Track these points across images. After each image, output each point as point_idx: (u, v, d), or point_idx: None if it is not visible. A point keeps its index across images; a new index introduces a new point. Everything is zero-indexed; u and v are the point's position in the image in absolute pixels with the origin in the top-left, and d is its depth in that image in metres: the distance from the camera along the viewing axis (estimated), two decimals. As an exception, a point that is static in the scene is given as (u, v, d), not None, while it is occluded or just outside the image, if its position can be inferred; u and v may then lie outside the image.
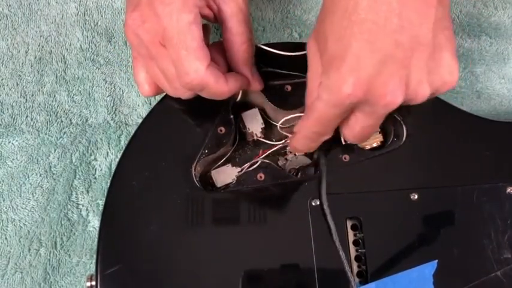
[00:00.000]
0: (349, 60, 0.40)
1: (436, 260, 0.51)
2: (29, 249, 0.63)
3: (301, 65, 0.49)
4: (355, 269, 0.54)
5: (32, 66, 0.68)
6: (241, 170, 0.55)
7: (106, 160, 0.66)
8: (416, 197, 0.56)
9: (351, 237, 0.55)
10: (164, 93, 0.56)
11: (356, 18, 0.40)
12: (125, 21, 0.49)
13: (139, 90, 0.54)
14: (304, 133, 0.49)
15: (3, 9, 0.70)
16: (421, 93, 0.43)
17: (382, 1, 0.40)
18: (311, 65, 0.46)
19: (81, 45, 0.70)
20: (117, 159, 0.63)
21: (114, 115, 0.67)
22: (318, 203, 0.54)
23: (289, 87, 0.57)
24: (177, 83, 0.49)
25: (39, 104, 0.67)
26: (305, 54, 0.47)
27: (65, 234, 0.63)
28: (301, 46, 0.54)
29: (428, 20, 0.41)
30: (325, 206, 0.53)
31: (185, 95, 0.52)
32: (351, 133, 0.47)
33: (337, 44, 0.41)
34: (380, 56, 0.40)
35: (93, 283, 0.50)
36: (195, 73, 0.47)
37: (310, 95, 0.46)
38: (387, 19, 0.40)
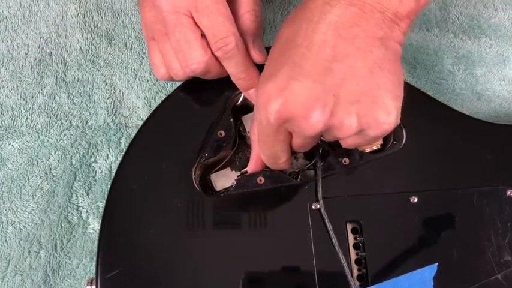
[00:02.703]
0: (279, 79, 0.42)
1: (437, 263, 0.51)
2: (29, 252, 0.63)
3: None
4: (356, 272, 0.54)
5: (31, 68, 0.68)
6: (241, 174, 0.55)
7: (106, 162, 0.66)
8: (416, 200, 0.55)
9: (351, 241, 0.55)
10: (164, 97, 0.56)
11: (292, 44, 0.43)
12: None
13: (154, 73, 0.55)
14: (261, 151, 0.51)
15: (2, 11, 0.70)
16: (347, 124, 0.43)
17: (318, 32, 0.42)
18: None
19: (81, 47, 0.70)
20: (117, 162, 0.63)
21: (114, 117, 0.67)
22: (318, 206, 0.54)
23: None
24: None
25: (39, 106, 0.67)
26: None
27: (65, 236, 0.64)
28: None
29: (366, 56, 0.42)
30: (322, 210, 0.53)
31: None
32: (295, 145, 0.48)
33: (272, 66, 0.43)
34: (308, 80, 0.41)
35: (94, 287, 0.50)
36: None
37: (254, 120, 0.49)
38: (320, 48, 0.41)
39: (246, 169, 0.55)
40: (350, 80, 0.42)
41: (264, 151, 0.49)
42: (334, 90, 0.42)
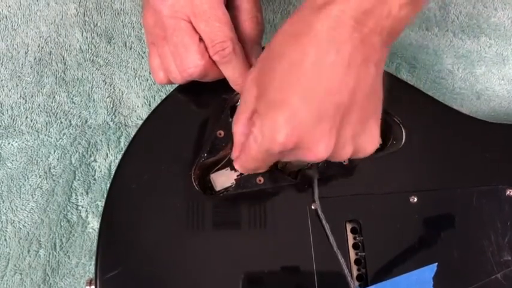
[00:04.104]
0: (287, 111, 0.41)
1: (436, 263, 0.51)
2: (29, 251, 0.63)
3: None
4: (355, 272, 0.54)
5: (31, 67, 0.68)
6: (241, 174, 0.55)
7: (105, 161, 0.66)
8: (415, 199, 0.55)
9: (350, 241, 0.54)
10: (163, 97, 0.56)
11: (301, 72, 0.41)
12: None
13: (153, 77, 0.55)
14: (242, 164, 0.50)
15: (2, 10, 0.70)
16: (344, 154, 0.44)
17: (327, 61, 0.40)
18: (245, 98, 0.46)
19: (80, 46, 0.70)
20: (117, 161, 0.63)
21: (113, 116, 0.67)
22: (318, 206, 0.54)
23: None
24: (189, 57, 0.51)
25: (39, 105, 0.67)
26: None
27: (65, 235, 0.64)
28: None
29: (364, 87, 0.42)
30: (319, 210, 0.53)
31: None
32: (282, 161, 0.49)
33: (278, 92, 0.42)
34: (317, 112, 0.41)
35: (93, 287, 0.50)
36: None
37: (238, 123, 0.47)
38: (329, 79, 0.40)
39: None
40: (351, 111, 0.42)
41: (249, 166, 0.49)
42: (338, 123, 0.42)
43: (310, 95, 0.41)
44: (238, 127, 0.47)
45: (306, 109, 0.41)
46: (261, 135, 0.43)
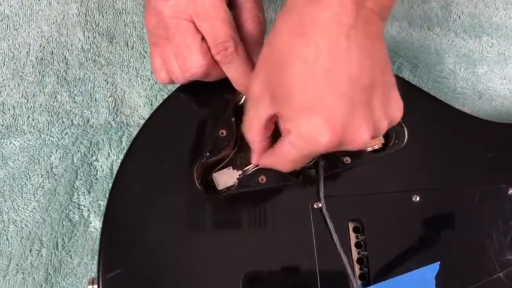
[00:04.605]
0: (321, 110, 0.41)
1: (438, 262, 0.51)
2: (31, 250, 0.63)
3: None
4: (357, 271, 0.54)
5: (33, 66, 0.68)
6: (243, 173, 0.55)
7: (107, 161, 0.66)
8: (418, 199, 0.55)
9: (353, 240, 0.54)
10: (165, 96, 0.56)
11: (320, 67, 0.41)
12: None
13: (155, 76, 0.55)
14: (276, 166, 0.50)
15: (4, 10, 0.70)
16: (382, 129, 0.45)
17: (341, 49, 0.40)
18: (256, 107, 0.46)
19: (82, 46, 0.70)
20: (119, 160, 0.63)
21: (115, 116, 0.67)
22: (320, 205, 0.54)
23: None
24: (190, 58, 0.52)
25: (41, 104, 0.67)
26: None
27: (66, 235, 0.64)
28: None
29: (378, 62, 0.43)
30: (324, 209, 0.53)
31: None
32: None
33: (303, 93, 0.41)
34: (348, 102, 0.41)
35: (95, 286, 0.50)
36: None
37: (252, 131, 0.48)
38: (349, 66, 0.41)
39: (247, 168, 0.55)
40: (375, 89, 0.42)
41: (286, 168, 0.49)
42: (369, 104, 0.42)
43: (336, 87, 0.41)
44: (255, 136, 0.47)
45: (338, 103, 0.41)
46: (300, 141, 0.43)
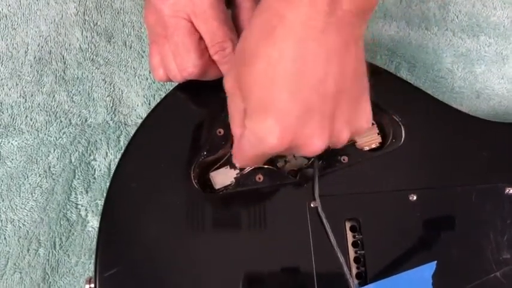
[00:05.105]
0: (274, 112, 0.40)
1: (435, 261, 0.51)
2: (28, 250, 0.63)
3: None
4: (354, 270, 0.54)
5: (31, 66, 0.68)
6: (240, 172, 0.55)
7: (105, 160, 0.66)
8: (415, 197, 0.55)
9: (349, 239, 0.55)
10: (163, 96, 0.56)
11: (282, 68, 0.39)
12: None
13: (153, 74, 0.55)
14: (239, 161, 0.51)
15: (2, 9, 0.70)
16: (342, 139, 0.44)
17: (308, 52, 0.39)
18: (232, 101, 0.46)
19: (80, 46, 0.70)
20: (117, 160, 0.63)
21: (113, 115, 0.67)
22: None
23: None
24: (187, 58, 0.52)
25: (39, 104, 0.67)
26: None
27: (64, 234, 0.64)
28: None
29: (350, 69, 0.41)
30: (319, 209, 0.53)
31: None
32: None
33: (262, 93, 0.40)
34: (305, 107, 0.40)
35: (92, 285, 0.51)
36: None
37: (232, 124, 0.47)
38: (313, 71, 0.39)
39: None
40: (341, 98, 0.41)
41: (246, 164, 0.50)
42: (328, 113, 0.41)
43: (295, 91, 0.39)
44: (235, 129, 0.47)
45: (293, 106, 0.40)
46: (252, 138, 0.42)
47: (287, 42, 0.39)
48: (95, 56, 0.69)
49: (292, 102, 0.40)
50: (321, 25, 0.38)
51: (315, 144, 0.42)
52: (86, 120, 0.67)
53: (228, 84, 0.45)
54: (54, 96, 0.68)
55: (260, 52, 0.40)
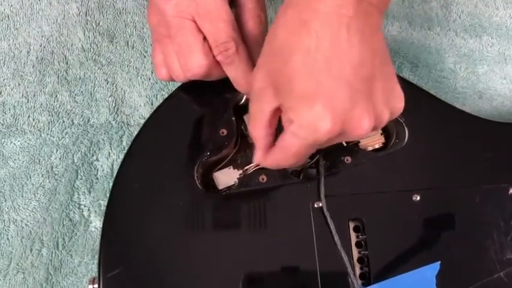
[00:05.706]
0: (322, 98, 0.41)
1: (439, 262, 0.51)
2: (31, 250, 0.63)
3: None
4: (358, 270, 0.54)
5: (33, 66, 0.68)
6: (243, 172, 0.55)
7: (108, 160, 0.66)
8: (418, 198, 0.55)
9: (353, 239, 0.54)
10: (166, 96, 0.56)
11: (321, 56, 0.41)
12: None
13: (155, 73, 0.55)
14: (278, 163, 0.49)
15: (5, 10, 0.70)
16: (384, 120, 0.45)
17: (342, 39, 0.41)
18: (259, 102, 0.46)
19: (82, 46, 0.70)
20: (119, 160, 0.63)
21: (116, 115, 0.67)
22: (320, 204, 0.54)
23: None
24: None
25: (41, 104, 0.67)
26: None
27: (67, 234, 0.64)
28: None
29: (378, 53, 0.43)
30: (325, 208, 0.53)
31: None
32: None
33: (304, 83, 0.41)
34: (350, 91, 0.41)
35: (96, 286, 0.50)
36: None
37: (257, 127, 0.47)
38: (350, 55, 0.41)
39: (248, 167, 0.55)
40: (375, 80, 0.43)
41: (287, 163, 0.48)
42: (369, 94, 0.42)
43: (337, 76, 0.41)
44: (259, 131, 0.47)
45: (339, 90, 0.41)
46: (302, 130, 0.43)
47: (322, 30, 0.41)
48: (97, 56, 0.69)
49: (337, 85, 0.41)
50: (351, 14, 0.41)
51: (364, 125, 0.42)
52: (88, 121, 0.67)
53: (257, 85, 0.45)
54: (56, 96, 0.68)
55: (295, 44, 0.42)
